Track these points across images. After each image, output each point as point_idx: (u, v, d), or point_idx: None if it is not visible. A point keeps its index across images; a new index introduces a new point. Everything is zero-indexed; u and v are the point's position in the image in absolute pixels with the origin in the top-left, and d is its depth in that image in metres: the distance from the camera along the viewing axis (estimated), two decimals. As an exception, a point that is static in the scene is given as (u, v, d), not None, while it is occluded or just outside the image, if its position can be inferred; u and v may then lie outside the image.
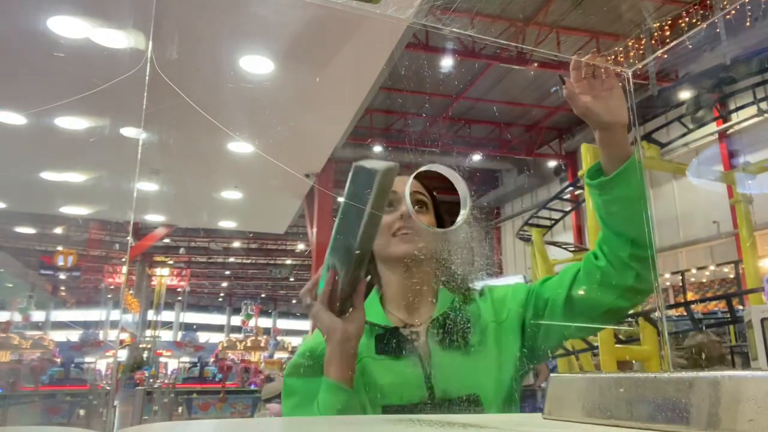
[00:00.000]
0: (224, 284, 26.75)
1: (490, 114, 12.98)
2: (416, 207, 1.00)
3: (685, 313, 6.12)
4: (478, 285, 1.02)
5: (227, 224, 8.29)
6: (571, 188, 9.27)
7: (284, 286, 26.01)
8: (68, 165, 4.94)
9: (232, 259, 23.07)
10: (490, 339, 0.94)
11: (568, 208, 9.46)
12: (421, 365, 0.91)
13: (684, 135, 6.76)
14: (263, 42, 3.00)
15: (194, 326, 23.58)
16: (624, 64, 0.98)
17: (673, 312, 7.16)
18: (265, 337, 18.38)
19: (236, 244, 20.13)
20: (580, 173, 6.99)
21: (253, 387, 10.58)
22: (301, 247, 19.52)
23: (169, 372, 14.95)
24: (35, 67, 3.21)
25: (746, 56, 6.67)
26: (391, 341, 0.93)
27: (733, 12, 7.30)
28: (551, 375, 0.63)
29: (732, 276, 10.20)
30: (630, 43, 8.66)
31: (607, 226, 0.91)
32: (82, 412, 8.62)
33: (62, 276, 14.66)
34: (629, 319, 5.93)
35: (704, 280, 11.93)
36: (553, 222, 9.41)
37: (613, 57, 8.38)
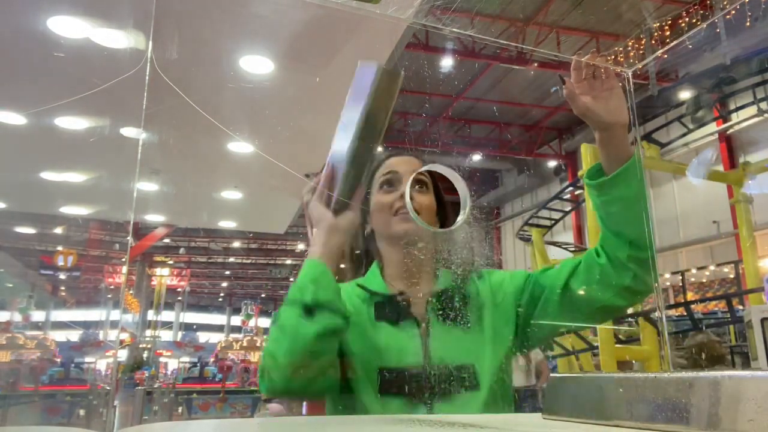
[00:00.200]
0: (224, 284, 26.73)
1: (489, 114, 12.98)
2: (416, 187, 1.01)
3: (685, 313, 6.12)
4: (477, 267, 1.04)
5: (227, 224, 8.28)
6: (571, 188, 9.27)
7: (284, 286, 25.97)
8: (68, 165, 4.93)
9: (232, 259, 23.05)
10: (486, 319, 0.96)
11: (568, 208, 9.46)
12: (419, 334, 0.92)
13: (684, 135, 6.76)
14: (263, 42, 3.00)
15: (194, 326, 23.56)
16: (624, 64, 0.98)
17: (673, 312, 7.15)
18: (265, 337, 18.34)
19: (236, 244, 20.12)
20: (580, 173, 6.99)
21: (253, 387, 10.58)
22: (301, 247, 19.51)
23: (169, 372, 14.94)
24: (35, 67, 3.21)
25: (746, 56, 6.66)
26: (390, 309, 0.95)
27: (733, 12, 7.30)
28: (551, 375, 0.63)
29: (732, 276, 10.19)
30: (630, 43, 8.66)
31: (607, 227, 0.91)
32: (82, 412, 8.61)
33: (62, 276, 14.68)
34: (629, 319, 5.93)
35: (704, 280, 11.93)
36: (553, 222, 9.41)
37: (613, 57, 8.37)
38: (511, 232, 16.05)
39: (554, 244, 10.21)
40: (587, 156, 5.38)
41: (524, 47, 10.76)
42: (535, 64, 10.47)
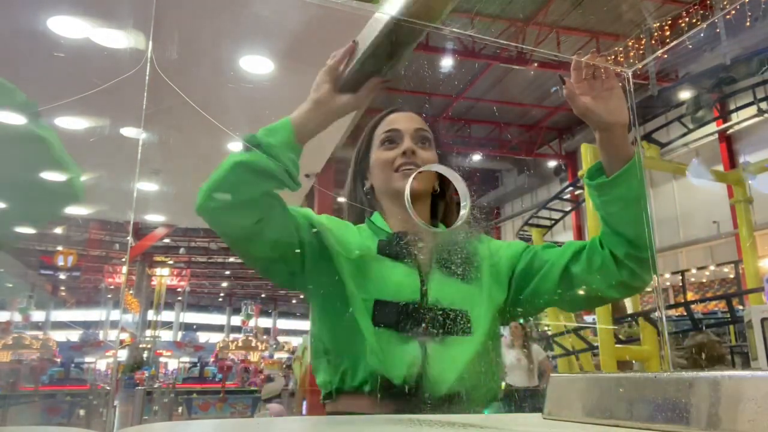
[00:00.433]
0: (224, 284, 26.72)
1: (489, 114, 12.97)
2: (419, 144, 1.03)
3: (685, 313, 6.12)
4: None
5: (227, 224, 8.26)
6: (571, 188, 9.28)
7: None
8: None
9: (232, 259, 23.01)
10: (483, 276, 0.98)
11: (568, 208, 9.46)
12: (418, 273, 0.94)
13: (684, 135, 6.77)
14: (263, 42, 3.00)
15: (194, 326, 23.56)
16: (624, 64, 0.98)
17: (673, 312, 7.16)
18: (265, 337, 18.36)
19: (236, 244, 20.06)
20: (580, 173, 6.99)
21: (253, 387, 10.58)
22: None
23: (169, 372, 14.95)
24: (35, 67, 3.20)
25: (746, 56, 6.67)
26: (392, 245, 0.96)
27: (733, 12, 7.31)
28: (551, 375, 0.63)
29: (732, 276, 10.20)
30: (630, 43, 8.66)
31: (607, 225, 0.92)
32: (82, 412, 8.61)
33: (62, 276, 14.66)
34: (629, 319, 5.94)
35: (704, 280, 11.93)
36: (553, 222, 9.42)
37: (613, 57, 8.39)
38: (511, 232, 16.06)
39: (554, 244, 10.22)
40: (587, 156, 5.39)
41: (524, 47, 10.75)
42: (535, 64, 10.46)
